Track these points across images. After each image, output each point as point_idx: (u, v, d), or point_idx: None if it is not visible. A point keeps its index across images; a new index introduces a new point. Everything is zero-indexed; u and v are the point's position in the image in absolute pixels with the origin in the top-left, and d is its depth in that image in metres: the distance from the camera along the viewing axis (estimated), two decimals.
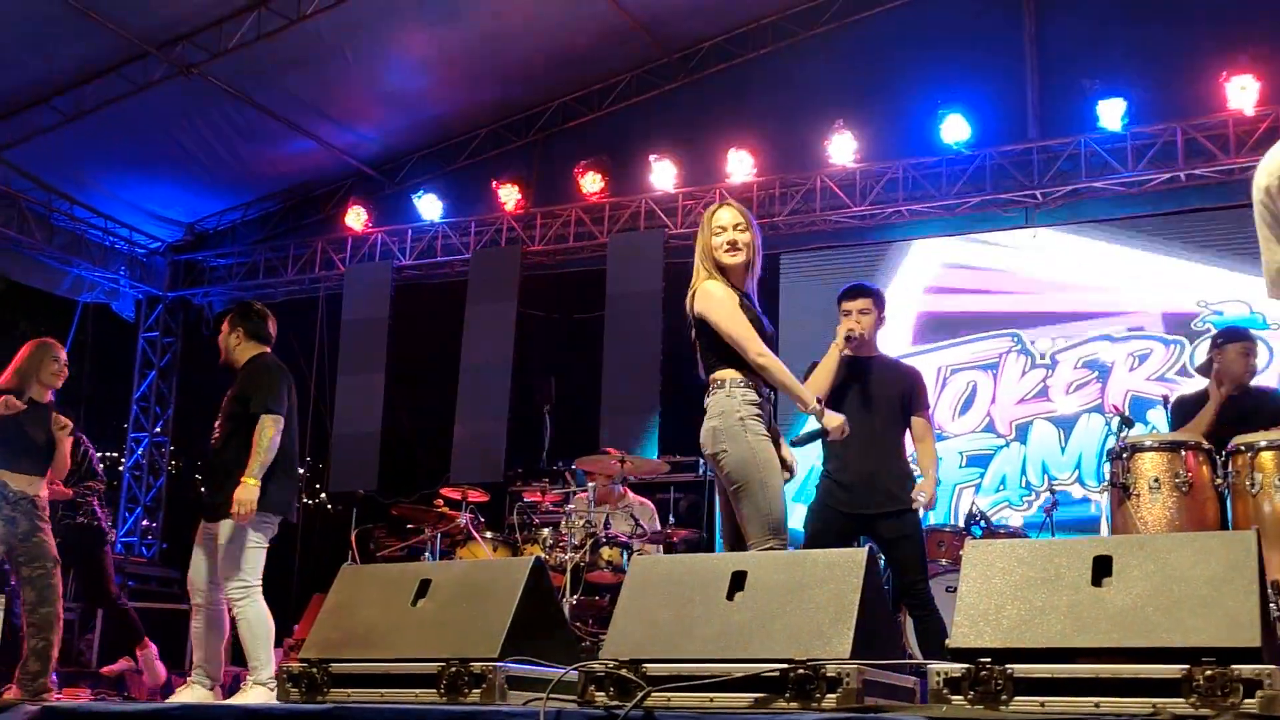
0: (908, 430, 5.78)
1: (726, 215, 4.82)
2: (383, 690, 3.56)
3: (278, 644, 8.38)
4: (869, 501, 5.50)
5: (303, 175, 13.17)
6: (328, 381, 12.57)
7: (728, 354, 4.69)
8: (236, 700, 5.44)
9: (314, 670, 3.66)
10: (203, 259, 13.87)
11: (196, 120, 11.74)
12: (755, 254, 4.85)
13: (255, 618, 5.60)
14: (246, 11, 10.44)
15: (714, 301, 4.70)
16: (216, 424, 6.03)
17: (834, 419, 4.69)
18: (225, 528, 5.64)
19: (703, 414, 4.70)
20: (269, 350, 6.15)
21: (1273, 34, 9.49)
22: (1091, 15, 10.43)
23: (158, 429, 13.72)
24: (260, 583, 5.71)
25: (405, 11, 10.61)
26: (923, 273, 10.81)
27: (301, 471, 12.69)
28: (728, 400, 4.63)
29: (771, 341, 4.83)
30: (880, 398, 5.59)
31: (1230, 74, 9.46)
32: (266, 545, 5.76)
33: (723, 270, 4.78)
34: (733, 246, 4.76)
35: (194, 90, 11.10)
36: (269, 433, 5.72)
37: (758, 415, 4.61)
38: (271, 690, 5.38)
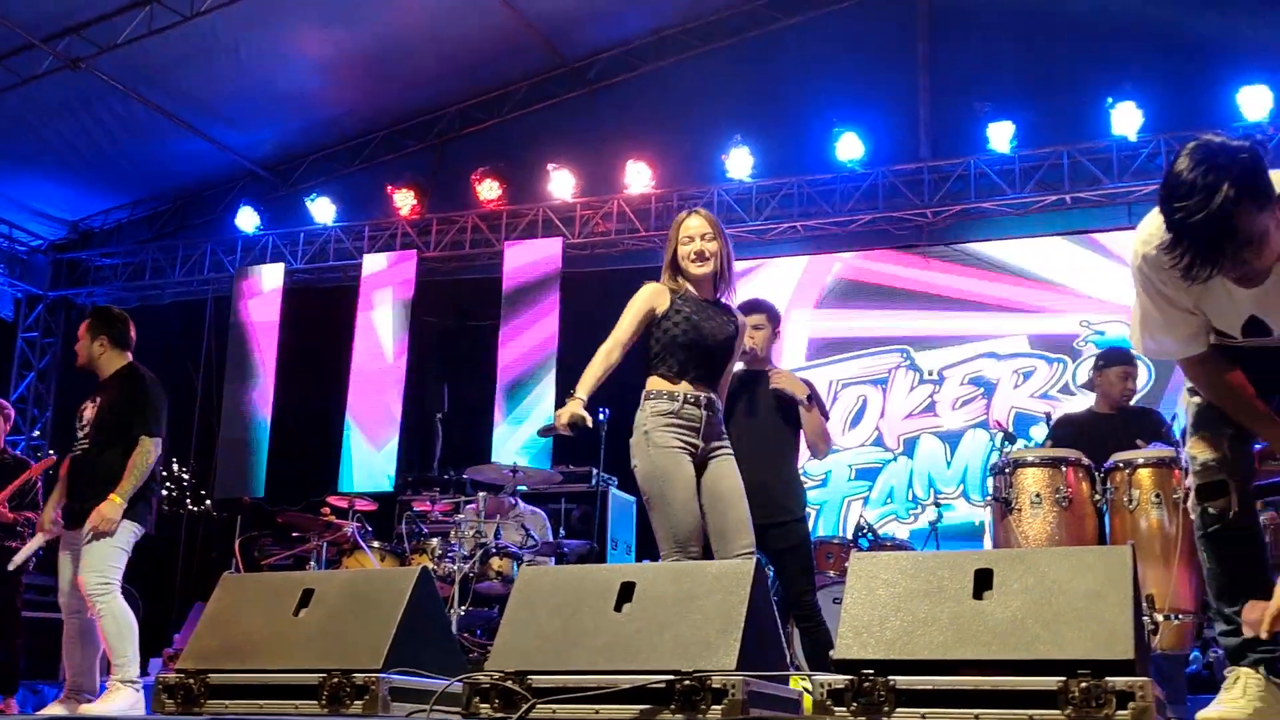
0: (798, 442, 5.80)
1: (695, 224, 4.81)
2: (262, 701, 3.47)
3: (157, 654, 8.19)
4: (757, 512, 5.50)
5: (193, 175, 12.91)
6: (215, 385, 12.32)
7: (649, 358, 4.74)
8: (103, 703, 5.31)
9: (191, 681, 3.57)
10: (87, 258, 13.52)
11: (83, 116, 11.46)
12: (725, 263, 4.83)
13: (119, 612, 5.46)
14: (138, 6, 10.21)
15: (631, 301, 4.74)
16: (83, 432, 5.83)
17: (561, 413, 4.59)
18: (88, 536, 5.51)
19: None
20: (132, 358, 5.99)
21: (1156, 65, 9.80)
22: (983, 40, 10.68)
23: (35, 432, 13.30)
24: (120, 582, 5.58)
25: (300, 11, 10.47)
26: (816, 288, 10.94)
27: (187, 477, 12.50)
28: (639, 414, 4.68)
29: (725, 349, 4.80)
30: (770, 410, 5.62)
31: (1115, 101, 9.75)
32: (129, 552, 5.64)
33: (686, 277, 4.80)
34: (699, 256, 4.77)
35: (82, 85, 10.84)
36: (149, 457, 5.61)
37: (667, 425, 4.61)
38: (137, 689, 5.30)
